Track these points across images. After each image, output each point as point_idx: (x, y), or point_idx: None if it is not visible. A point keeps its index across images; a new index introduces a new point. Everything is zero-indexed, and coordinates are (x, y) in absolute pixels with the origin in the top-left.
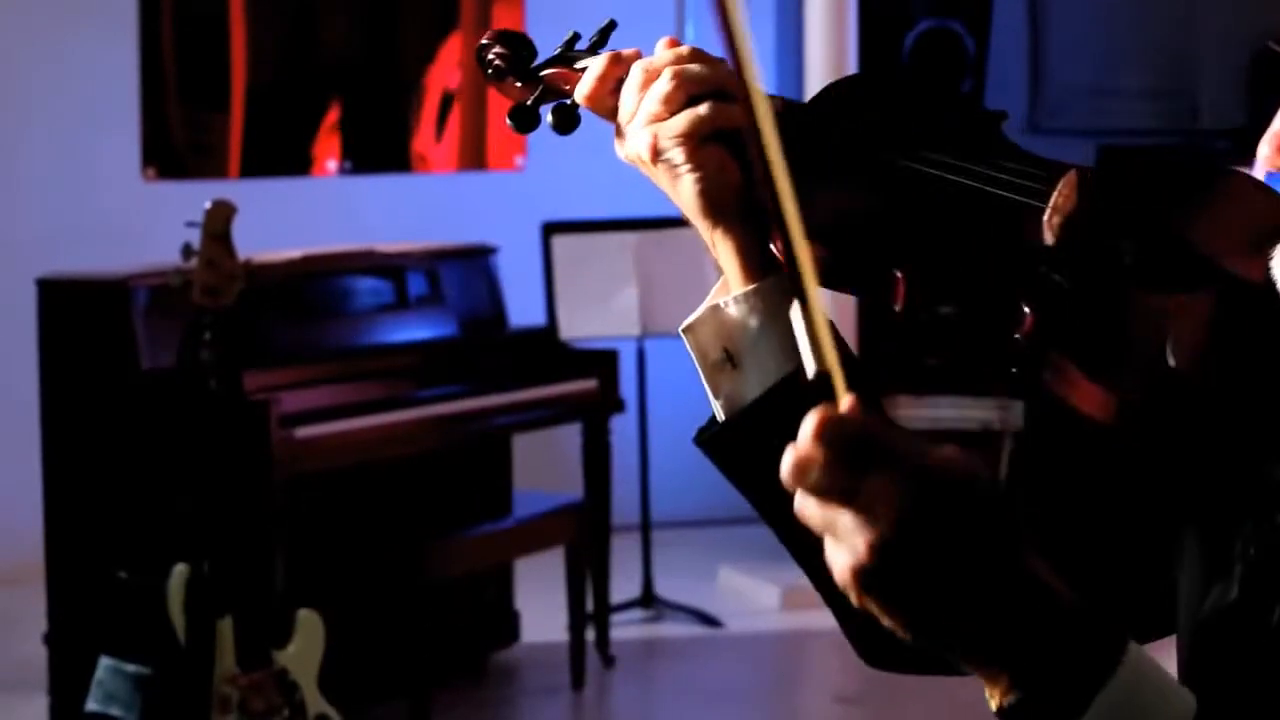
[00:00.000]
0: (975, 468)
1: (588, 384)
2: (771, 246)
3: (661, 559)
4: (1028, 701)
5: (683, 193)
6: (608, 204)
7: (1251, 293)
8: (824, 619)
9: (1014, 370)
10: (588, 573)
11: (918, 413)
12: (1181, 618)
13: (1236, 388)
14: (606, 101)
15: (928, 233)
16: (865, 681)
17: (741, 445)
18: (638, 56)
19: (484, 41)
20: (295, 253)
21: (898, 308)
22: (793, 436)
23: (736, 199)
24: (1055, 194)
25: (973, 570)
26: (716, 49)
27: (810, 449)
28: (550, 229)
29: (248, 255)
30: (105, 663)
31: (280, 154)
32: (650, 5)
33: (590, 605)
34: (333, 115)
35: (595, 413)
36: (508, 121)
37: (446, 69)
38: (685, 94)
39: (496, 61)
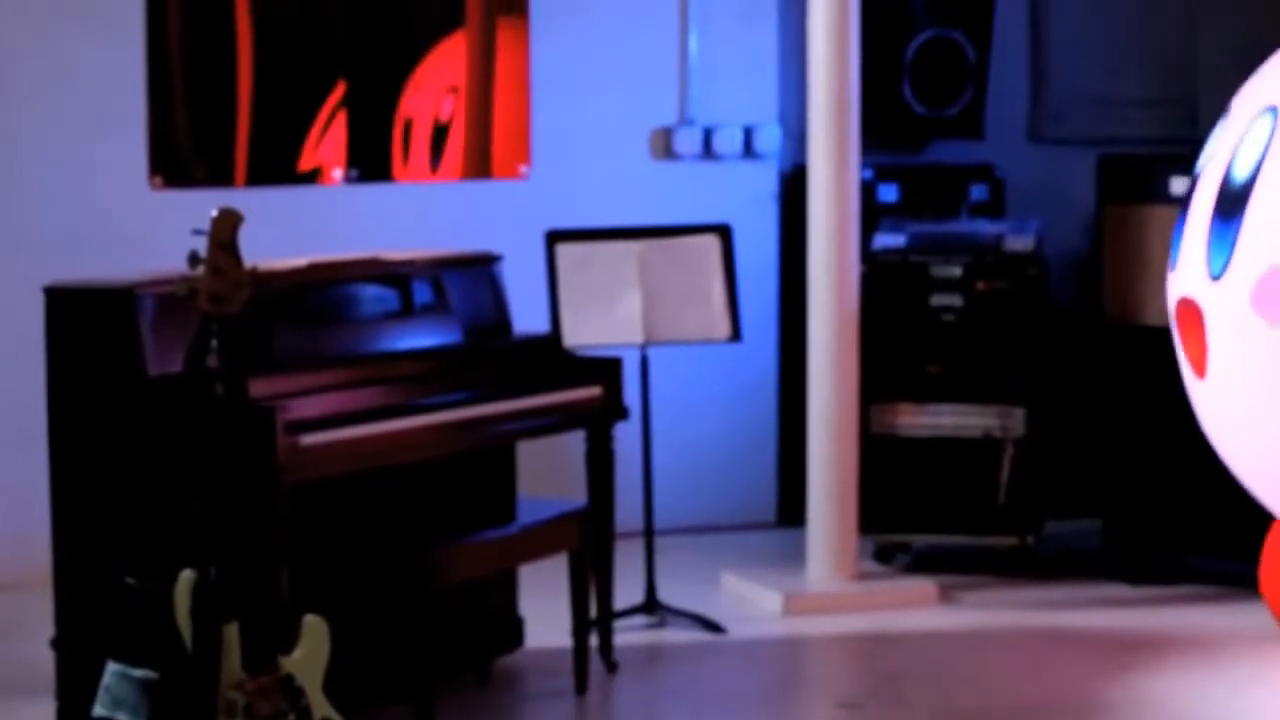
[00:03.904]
0: None
1: (591, 391)
2: None
3: (664, 565)
4: None
5: None
6: (611, 213)
7: None
8: (825, 625)
9: None
10: (591, 579)
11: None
12: None
13: None
14: None
15: None
16: (866, 687)
17: None
18: None
19: None
20: (301, 261)
21: None
22: None
23: None
24: None
25: None
26: (719, 60)
27: None
28: (554, 237)
29: (254, 263)
30: (112, 668)
31: (286, 163)
32: (653, 14)
33: (594, 611)
34: (339, 124)
35: (599, 420)
36: None
37: (439, 73)
38: None
39: None
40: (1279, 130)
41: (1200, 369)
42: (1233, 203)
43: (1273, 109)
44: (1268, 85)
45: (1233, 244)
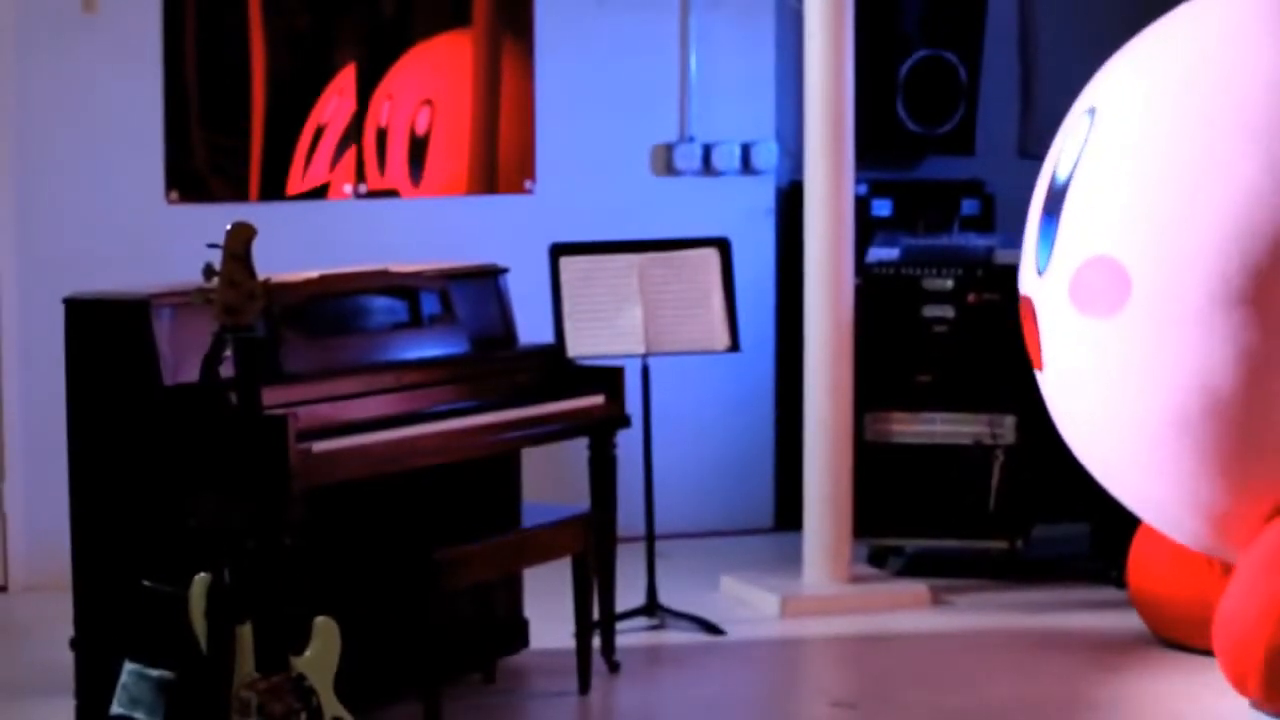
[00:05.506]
0: None
1: (594, 400)
2: None
3: (665, 569)
4: None
5: None
6: (613, 227)
7: None
8: (821, 626)
9: None
10: (594, 582)
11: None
12: None
13: None
14: None
15: None
16: (860, 686)
17: None
18: None
19: None
20: (313, 273)
21: None
22: None
23: None
24: None
25: None
26: (718, 80)
27: None
28: (558, 250)
29: (267, 275)
30: (129, 667)
31: (298, 177)
32: (654, 35)
33: (596, 613)
34: (349, 141)
35: (601, 428)
36: None
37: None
38: None
39: None
40: (1094, 130)
41: (1039, 362)
42: (1055, 201)
43: (1091, 111)
44: (1092, 88)
45: (1054, 240)
